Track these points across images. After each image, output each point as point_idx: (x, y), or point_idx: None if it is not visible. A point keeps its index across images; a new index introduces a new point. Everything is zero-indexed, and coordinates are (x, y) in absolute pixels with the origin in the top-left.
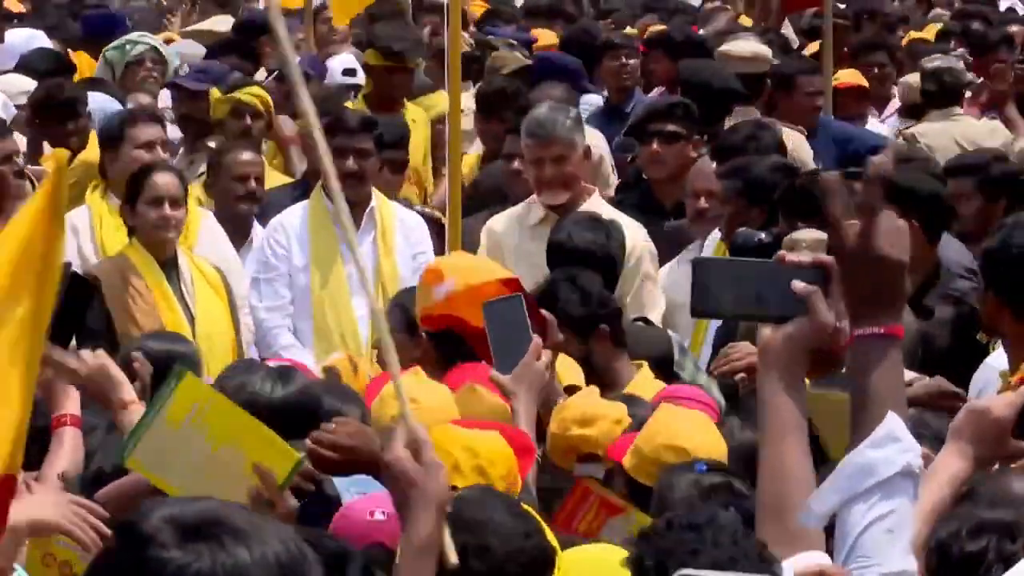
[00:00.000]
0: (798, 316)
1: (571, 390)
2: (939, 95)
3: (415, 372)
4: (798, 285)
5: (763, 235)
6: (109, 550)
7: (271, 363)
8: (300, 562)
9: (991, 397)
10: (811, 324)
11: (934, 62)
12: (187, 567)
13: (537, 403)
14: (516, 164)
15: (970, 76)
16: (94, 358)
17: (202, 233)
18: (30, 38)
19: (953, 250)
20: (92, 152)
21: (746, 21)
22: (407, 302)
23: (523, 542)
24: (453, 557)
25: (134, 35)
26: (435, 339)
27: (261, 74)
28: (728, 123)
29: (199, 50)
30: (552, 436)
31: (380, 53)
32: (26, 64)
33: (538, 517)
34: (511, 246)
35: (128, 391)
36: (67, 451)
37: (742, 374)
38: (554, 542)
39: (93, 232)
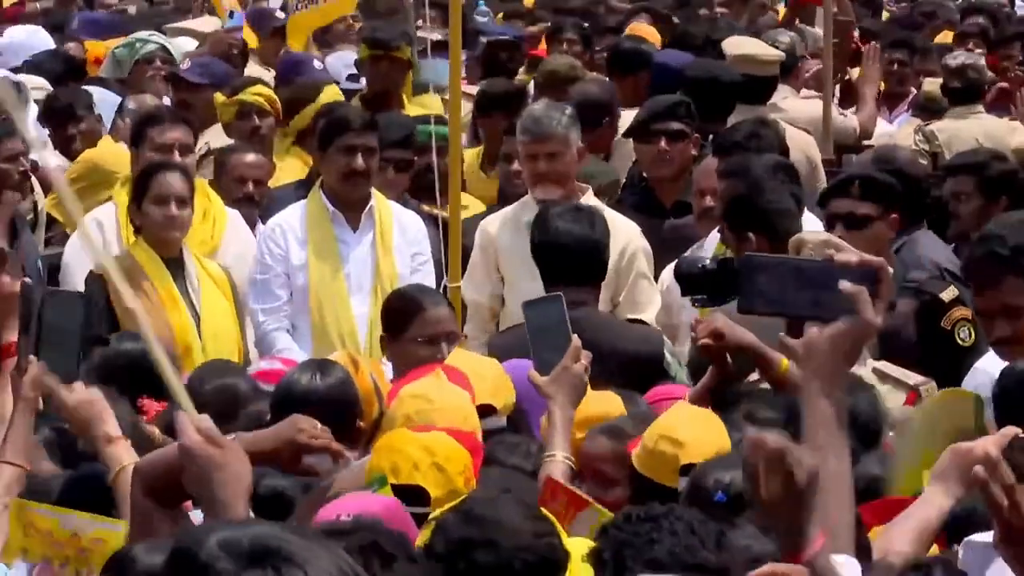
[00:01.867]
0: (843, 316)
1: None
2: (962, 92)
3: (435, 374)
4: (846, 285)
5: (707, 261)
6: None
7: (264, 363)
8: None
9: (977, 440)
10: (857, 324)
11: (958, 59)
12: None
13: (574, 407)
14: (515, 166)
15: (990, 75)
16: (85, 391)
17: (228, 231)
18: (32, 34)
19: (925, 247)
20: (98, 152)
21: None
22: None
23: (532, 541)
24: None
25: (143, 34)
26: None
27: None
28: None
29: (188, 45)
30: (648, 454)
31: (367, 44)
32: (37, 65)
33: (555, 521)
34: (505, 245)
35: (114, 427)
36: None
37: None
38: (568, 547)
39: (119, 227)
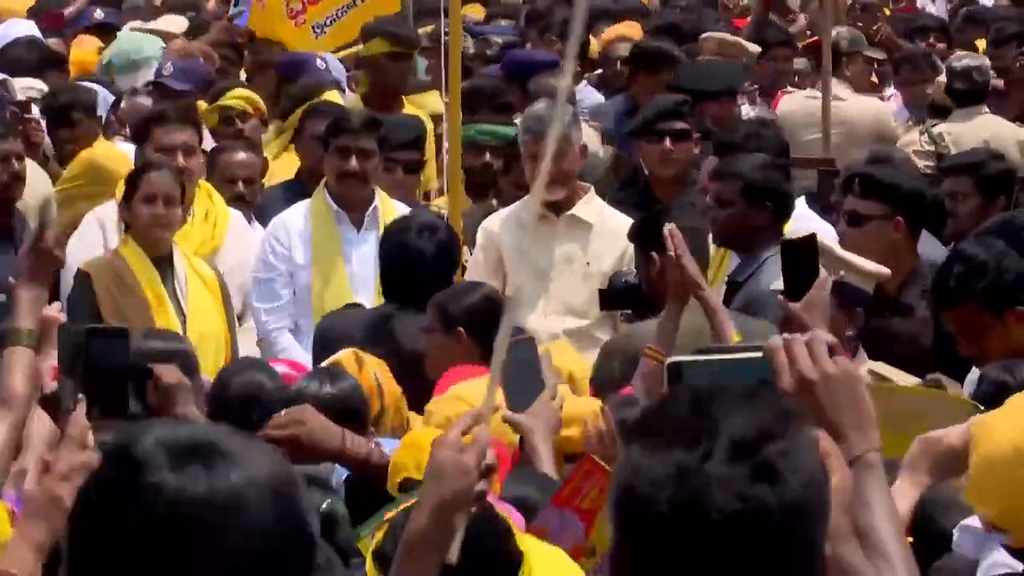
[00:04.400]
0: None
1: None
2: (967, 94)
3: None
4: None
5: (631, 276)
6: (100, 476)
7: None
8: (290, 481)
9: (946, 429)
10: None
11: (962, 61)
12: (183, 491)
13: (552, 439)
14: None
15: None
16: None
17: (231, 232)
18: (10, 24)
19: (922, 246)
20: (96, 152)
21: None
22: (441, 300)
23: (484, 543)
24: (453, 558)
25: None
26: (475, 336)
27: None
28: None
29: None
30: None
31: (387, 40)
32: (12, 58)
33: (510, 522)
34: (507, 244)
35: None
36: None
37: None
38: (523, 546)
39: (120, 225)
